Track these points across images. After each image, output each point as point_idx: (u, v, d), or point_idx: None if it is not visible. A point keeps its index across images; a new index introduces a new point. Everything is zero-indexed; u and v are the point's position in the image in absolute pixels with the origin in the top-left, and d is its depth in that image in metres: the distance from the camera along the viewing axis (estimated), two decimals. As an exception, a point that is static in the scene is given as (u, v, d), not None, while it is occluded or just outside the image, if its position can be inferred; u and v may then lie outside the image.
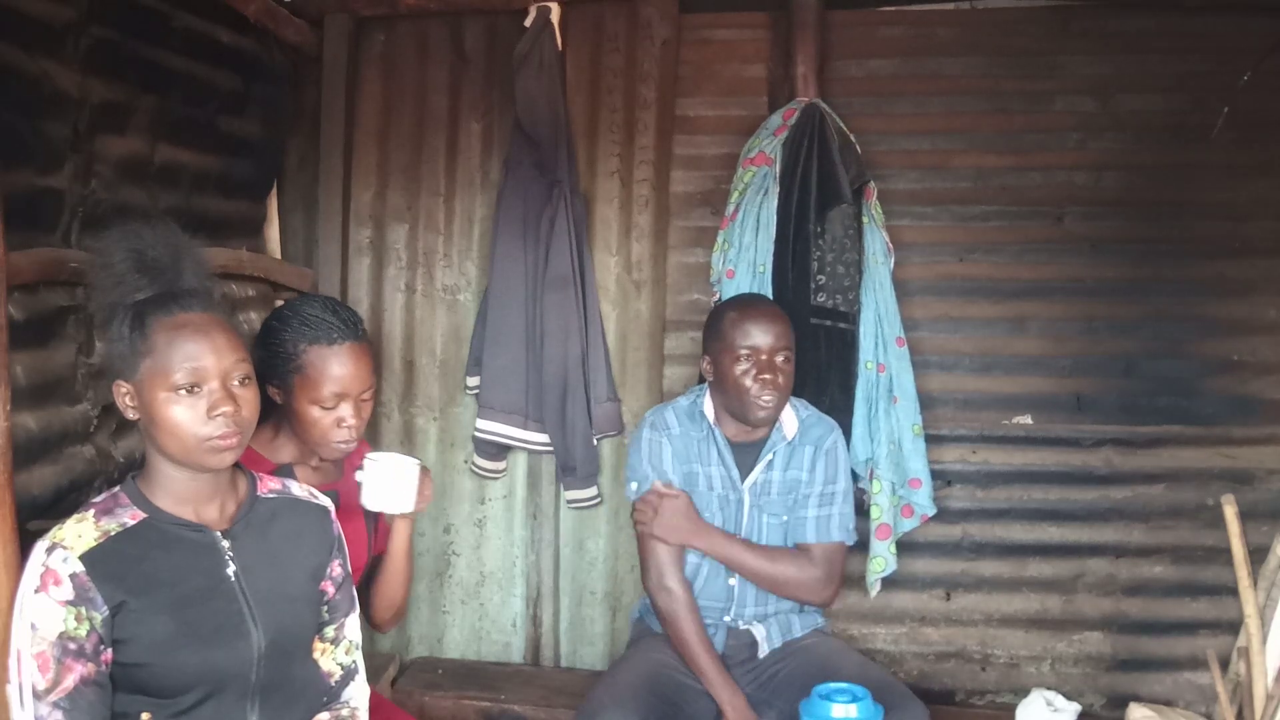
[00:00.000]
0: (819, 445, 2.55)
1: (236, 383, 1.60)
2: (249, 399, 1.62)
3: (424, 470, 2.03)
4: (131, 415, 1.60)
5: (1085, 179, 3.17)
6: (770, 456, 2.52)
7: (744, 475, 2.53)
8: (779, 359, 2.44)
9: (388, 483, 1.98)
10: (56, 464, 2.10)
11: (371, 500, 1.99)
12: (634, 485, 2.56)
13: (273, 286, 3.05)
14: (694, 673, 2.44)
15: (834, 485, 2.55)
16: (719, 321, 2.51)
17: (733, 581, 2.54)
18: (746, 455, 2.54)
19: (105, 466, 2.24)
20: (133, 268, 1.60)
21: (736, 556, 2.49)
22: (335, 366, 1.93)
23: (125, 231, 1.63)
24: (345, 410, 1.94)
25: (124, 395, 1.60)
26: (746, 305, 2.53)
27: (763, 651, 2.53)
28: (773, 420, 2.49)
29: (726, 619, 2.55)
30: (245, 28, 2.84)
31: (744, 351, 2.43)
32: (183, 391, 1.56)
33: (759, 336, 2.43)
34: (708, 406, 2.55)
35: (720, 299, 3.06)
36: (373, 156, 3.35)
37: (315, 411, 1.94)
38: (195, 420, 1.56)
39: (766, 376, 2.41)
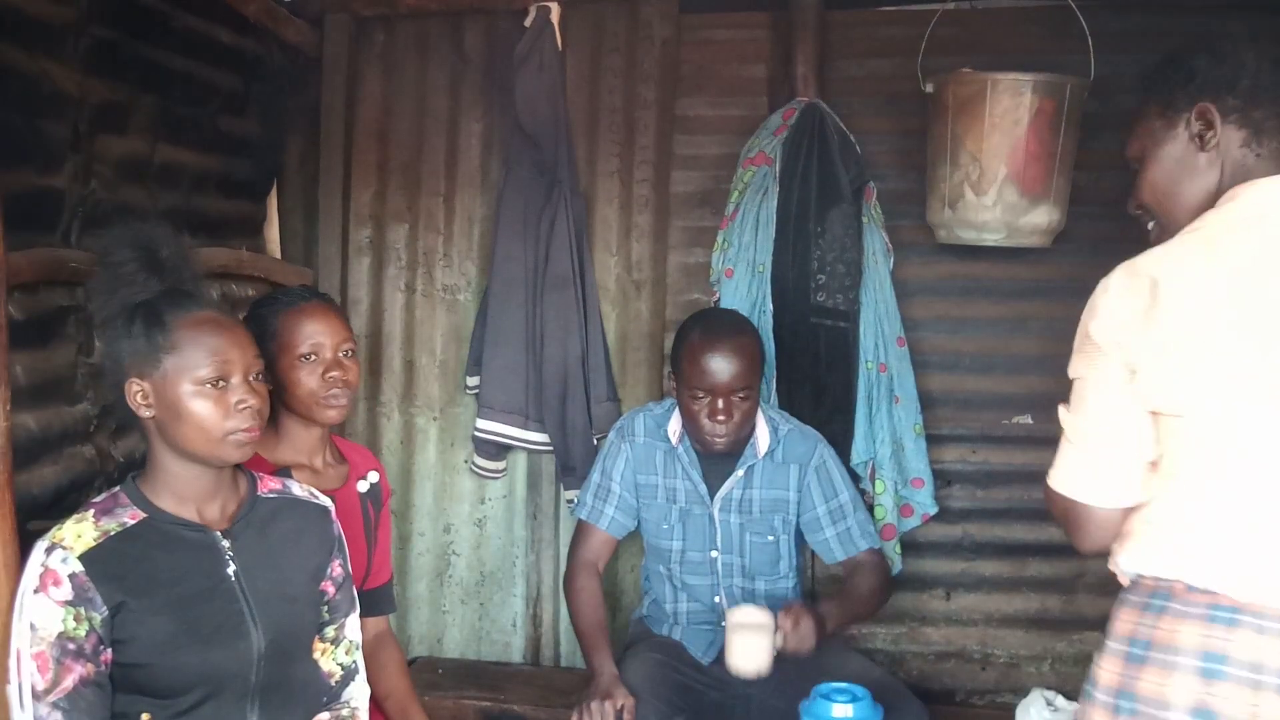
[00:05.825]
0: (805, 464, 2.50)
1: (255, 378, 1.63)
2: (265, 395, 1.65)
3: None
4: (146, 413, 1.60)
5: (1085, 179, 3.17)
6: (741, 473, 2.47)
7: (714, 489, 2.49)
8: (735, 397, 2.36)
9: (753, 645, 2.22)
10: (56, 464, 2.10)
11: (743, 662, 2.23)
12: (573, 497, 2.57)
13: (272, 286, 3.04)
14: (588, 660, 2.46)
15: (838, 499, 2.51)
16: (680, 345, 2.42)
17: (718, 599, 2.54)
18: (719, 468, 2.49)
19: (105, 466, 2.24)
20: (143, 266, 1.61)
21: (846, 618, 2.48)
22: (307, 324, 1.99)
23: (131, 230, 1.65)
24: (327, 359, 1.99)
25: (137, 393, 1.59)
26: (709, 337, 2.38)
27: None
28: (728, 450, 2.43)
29: (724, 624, 2.55)
30: (245, 28, 2.85)
31: (698, 390, 2.36)
32: (209, 385, 1.58)
33: (713, 376, 2.34)
34: (674, 420, 2.51)
35: (720, 299, 3.06)
36: (373, 156, 3.35)
37: (299, 372, 1.97)
38: (221, 413, 1.58)
39: (720, 417, 2.35)
